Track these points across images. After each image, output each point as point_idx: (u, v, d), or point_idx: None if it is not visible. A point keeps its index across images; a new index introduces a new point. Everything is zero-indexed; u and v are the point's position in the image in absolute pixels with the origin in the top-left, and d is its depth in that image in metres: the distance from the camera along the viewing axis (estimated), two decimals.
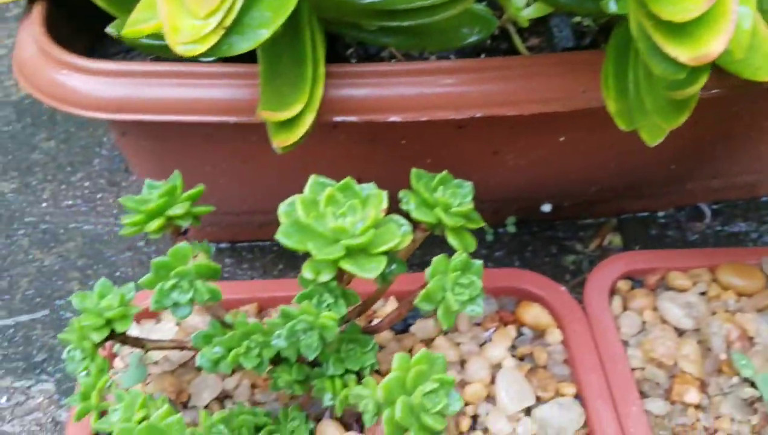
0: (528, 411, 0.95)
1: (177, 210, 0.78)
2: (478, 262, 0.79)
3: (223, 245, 1.31)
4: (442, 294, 0.77)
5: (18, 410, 1.13)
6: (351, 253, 0.73)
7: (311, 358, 0.76)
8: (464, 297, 0.77)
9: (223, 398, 0.98)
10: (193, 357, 1.01)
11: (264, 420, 0.90)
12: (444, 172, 0.84)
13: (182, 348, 0.87)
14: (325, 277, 0.74)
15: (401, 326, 1.05)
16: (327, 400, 0.85)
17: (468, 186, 0.84)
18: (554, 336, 1.02)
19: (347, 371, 0.84)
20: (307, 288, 0.77)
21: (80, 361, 0.79)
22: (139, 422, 0.73)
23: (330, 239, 0.73)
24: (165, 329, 1.03)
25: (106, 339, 0.81)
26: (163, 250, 1.33)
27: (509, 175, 1.14)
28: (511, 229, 1.32)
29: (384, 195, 0.75)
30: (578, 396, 0.96)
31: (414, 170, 0.84)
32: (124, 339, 0.83)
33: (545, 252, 1.30)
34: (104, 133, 1.53)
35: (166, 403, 0.75)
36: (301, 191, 1.20)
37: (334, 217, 0.74)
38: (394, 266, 0.80)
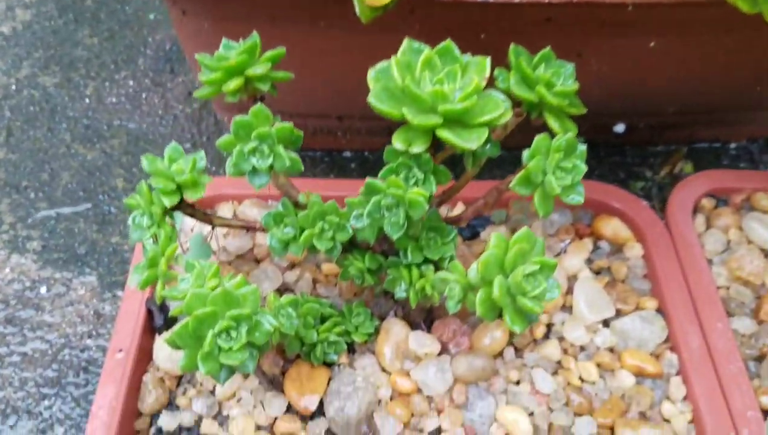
0: (606, 323, 0.89)
1: (257, 69, 0.71)
2: (583, 146, 0.73)
3: None
4: (542, 176, 0.71)
5: (58, 301, 1.09)
6: (449, 121, 0.67)
7: (395, 236, 0.70)
8: (566, 181, 0.71)
9: (283, 291, 0.93)
10: (252, 249, 0.96)
11: (329, 311, 0.85)
12: (546, 49, 0.77)
13: (250, 228, 0.82)
14: (418, 147, 0.68)
15: (469, 233, 0.99)
16: (400, 291, 0.80)
17: (570, 67, 0.77)
18: (634, 250, 0.96)
19: (426, 260, 0.78)
20: (395, 161, 0.71)
21: (147, 228, 0.74)
22: (213, 289, 0.68)
23: (427, 105, 0.67)
24: None
25: (175, 208, 0.76)
26: (213, 154, 1.27)
27: (589, 84, 1.06)
28: None
29: (488, 62, 0.69)
30: (660, 310, 0.91)
31: (513, 45, 0.77)
32: (193, 211, 0.78)
33: (613, 177, 1.23)
34: (149, 33, 1.46)
35: (239, 276, 0.70)
36: (364, 93, 1.14)
37: (432, 82, 0.67)
38: (488, 146, 0.74)
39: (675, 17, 0.95)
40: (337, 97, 1.13)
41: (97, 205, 1.20)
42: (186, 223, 0.96)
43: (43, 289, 1.10)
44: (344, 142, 1.24)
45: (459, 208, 1.00)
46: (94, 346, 1.04)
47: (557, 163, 0.71)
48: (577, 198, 0.72)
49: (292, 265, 0.95)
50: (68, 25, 1.48)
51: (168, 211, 0.75)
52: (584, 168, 0.72)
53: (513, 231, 0.98)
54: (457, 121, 0.67)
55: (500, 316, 0.68)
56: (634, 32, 0.99)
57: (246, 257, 0.95)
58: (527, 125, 0.79)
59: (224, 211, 0.99)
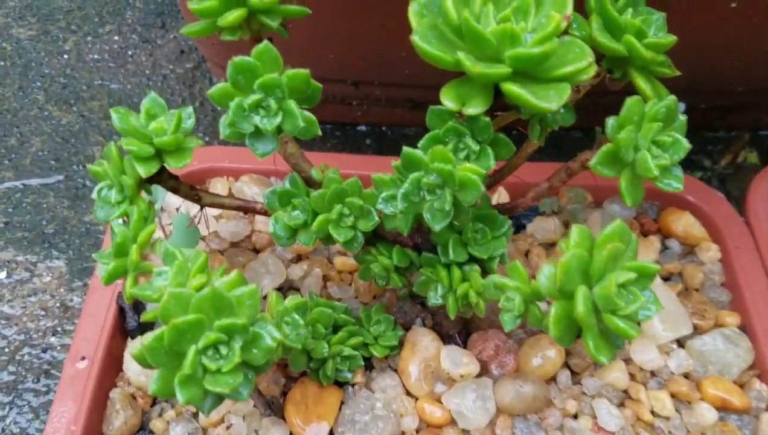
0: (680, 342, 0.73)
1: None
2: (683, 117, 0.56)
3: None
4: (634, 153, 0.54)
5: (20, 289, 0.92)
6: (519, 71, 0.50)
7: (438, 227, 0.53)
8: (663, 160, 0.54)
9: (286, 289, 0.76)
10: (250, 235, 0.79)
11: (343, 318, 0.68)
12: None
13: (248, 210, 0.65)
14: (475, 108, 0.51)
15: (513, 226, 0.82)
16: (434, 297, 0.63)
17: (661, 16, 0.61)
18: (710, 252, 0.79)
19: (470, 259, 0.62)
20: (442, 127, 0.54)
21: (116, 204, 0.57)
22: (198, 290, 0.51)
23: (490, 49, 0.50)
24: None
25: (153, 179, 0.59)
26: (207, 122, 1.10)
27: None
28: None
29: None
30: (743, 328, 0.74)
31: None
32: (177, 184, 0.61)
33: None
34: None
35: (234, 271, 0.53)
36: (390, 49, 0.96)
37: (497, 20, 0.50)
38: (562, 110, 0.57)
39: None
40: (354, 56, 0.96)
41: (70, 176, 1.03)
42: (170, 200, 0.79)
43: (2, 274, 0.93)
44: (359, 113, 1.07)
45: (502, 196, 0.84)
46: (58, 346, 0.87)
47: (654, 135, 0.54)
48: (675, 184, 0.55)
49: (298, 257, 0.78)
50: None
51: (144, 184, 0.58)
52: (687, 145, 0.55)
53: (566, 224, 0.82)
54: (529, 72, 0.51)
55: (576, 337, 0.52)
56: None
57: (242, 245, 0.78)
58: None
59: (217, 187, 0.82)
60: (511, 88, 0.49)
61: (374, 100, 1.05)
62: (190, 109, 0.59)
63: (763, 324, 0.73)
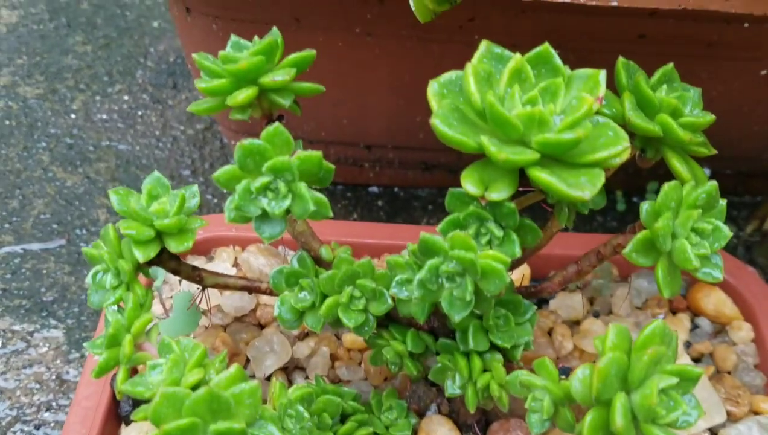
0: (713, 431, 0.68)
1: (277, 77, 0.51)
2: (723, 202, 0.52)
3: None
4: (671, 242, 0.50)
5: (15, 360, 0.88)
6: (548, 157, 0.46)
7: (458, 317, 0.49)
8: (704, 249, 0.50)
9: (292, 369, 0.71)
10: (255, 310, 0.75)
11: (352, 406, 0.63)
12: (669, 66, 0.57)
13: (253, 290, 0.61)
14: (499, 193, 0.47)
15: (535, 301, 0.78)
16: (452, 387, 0.59)
17: (697, 92, 0.57)
18: (742, 332, 0.75)
19: (492, 348, 0.57)
20: (462, 211, 0.51)
21: (111, 290, 0.53)
22: (194, 387, 0.47)
23: (516, 133, 0.46)
24: (218, 269, 0.77)
25: (153, 261, 0.55)
26: (220, 193, 1.07)
27: None
28: (651, 197, 1.04)
29: (602, 76, 0.48)
30: None
31: (622, 59, 0.57)
32: (177, 265, 0.57)
33: None
34: (151, 42, 1.27)
35: (234, 366, 0.49)
36: (405, 116, 0.94)
37: (523, 102, 0.47)
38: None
39: None
40: (368, 121, 0.93)
41: (72, 241, 1.00)
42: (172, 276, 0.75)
43: None
44: (371, 175, 1.04)
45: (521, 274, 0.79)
46: (52, 422, 0.83)
47: (693, 223, 0.50)
48: (715, 274, 0.51)
49: (305, 334, 0.73)
50: (59, 29, 1.29)
51: (142, 267, 0.54)
52: (728, 233, 0.51)
53: (591, 300, 0.77)
54: (558, 157, 0.47)
55: None
56: (745, 56, 0.79)
57: (246, 320, 0.74)
58: None
59: (223, 257, 0.78)
60: (540, 176, 0.45)
61: (387, 162, 1.02)
62: (195, 187, 0.56)
63: None
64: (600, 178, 0.46)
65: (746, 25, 0.73)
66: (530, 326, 0.57)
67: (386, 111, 0.91)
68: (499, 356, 0.57)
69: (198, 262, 0.78)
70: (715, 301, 0.77)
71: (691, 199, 0.50)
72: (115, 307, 0.53)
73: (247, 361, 0.70)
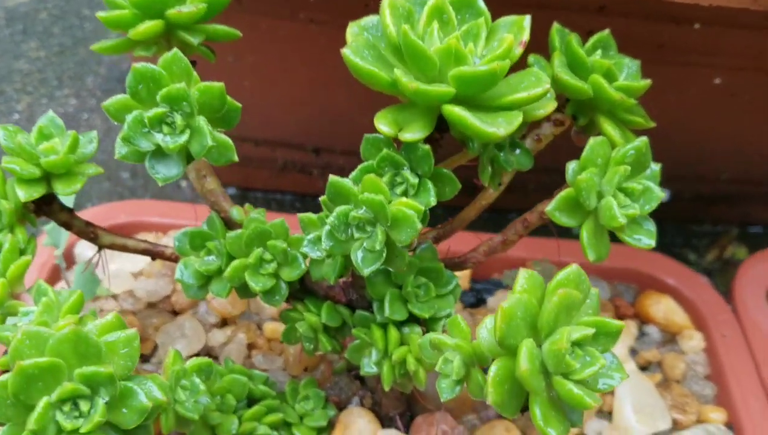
0: None
1: (184, 8, 0.48)
2: (657, 166, 0.49)
3: (230, 191, 1.01)
4: (597, 199, 0.46)
5: None
6: (465, 95, 0.43)
7: (367, 270, 0.45)
8: (632, 210, 0.46)
9: (203, 356, 0.66)
10: (170, 296, 0.70)
11: (262, 390, 0.58)
12: (605, 32, 0.54)
13: (155, 254, 0.56)
14: (413, 133, 0.44)
15: (474, 298, 0.74)
16: (368, 364, 0.53)
17: (635, 63, 0.55)
18: (693, 341, 0.70)
19: (410, 319, 0.53)
20: (374, 158, 0.47)
21: None
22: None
23: (433, 68, 0.43)
24: (136, 257, 0.72)
25: (39, 208, 0.50)
26: (158, 192, 1.03)
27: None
28: None
29: (527, 21, 0.46)
30: (730, 425, 0.64)
31: (556, 24, 0.54)
32: (69, 218, 0.52)
33: None
34: None
35: (112, 314, 0.44)
36: (353, 115, 0.91)
37: (442, 40, 0.44)
38: (518, 152, 0.50)
39: (753, 47, 0.73)
40: (316, 120, 0.90)
41: None
42: (84, 253, 0.70)
43: None
44: (321, 183, 1.00)
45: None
46: None
47: (621, 181, 0.46)
48: (645, 239, 0.48)
49: (224, 322, 0.68)
50: (14, 36, 1.27)
51: (27, 210, 0.50)
52: (661, 194, 0.48)
53: None
54: (476, 98, 0.44)
55: (524, 409, 0.42)
56: (697, 61, 0.77)
57: (160, 307, 0.68)
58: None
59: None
60: (453, 111, 0.42)
61: (336, 168, 0.98)
62: (95, 133, 0.52)
63: (753, 421, 0.63)
64: (517, 119, 0.43)
65: (696, 26, 0.71)
66: (453, 299, 0.53)
67: (334, 110, 0.88)
68: (418, 329, 0.52)
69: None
70: (665, 309, 0.73)
71: (619, 156, 0.47)
72: None
73: (156, 348, 0.65)
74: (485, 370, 0.44)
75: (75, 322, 0.43)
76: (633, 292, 0.75)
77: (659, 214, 1.07)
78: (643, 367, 0.69)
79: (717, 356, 0.69)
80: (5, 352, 0.42)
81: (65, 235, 0.65)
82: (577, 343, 0.39)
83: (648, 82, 0.53)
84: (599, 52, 0.53)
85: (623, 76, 0.53)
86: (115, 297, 0.67)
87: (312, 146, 0.95)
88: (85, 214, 0.73)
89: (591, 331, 0.39)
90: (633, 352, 0.70)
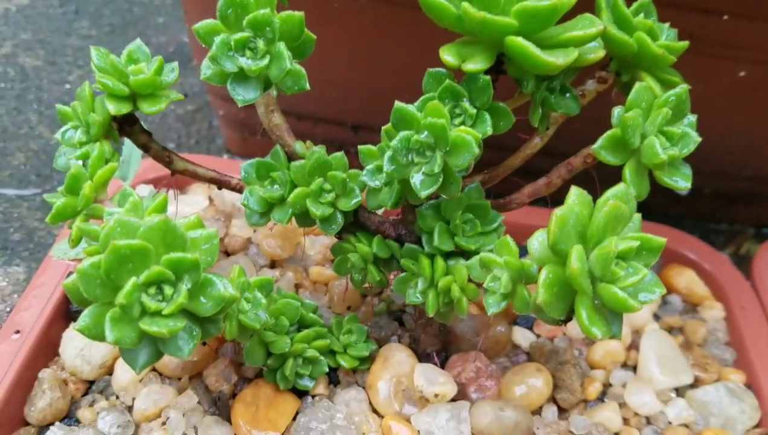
0: (680, 392, 0.66)
1: None
2: (693, 116, 0.53)
3: None
4: (640, 139, 0.50)
5: None
6: (526, 27, 0.47)
7: (425, 193, 0.49)
8: (672, 151, 0.50)
9: None
10: (223, 238, 0.74)
11: (312, 317, 0.62)
12: None
13: (222, 183, 0.60)
14: (476, 63, 0.48)
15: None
16: (413, 294, 0.57)
17: (674, 31, 0.59)
18: (713, 311, 0.74)
19: (455, 253, 0.56)
20: (435, 91, 0.51)
21: (79, 145, 0.53)
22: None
23: (496, 3, 0.47)
24: (192, 202, 0.77)
25: (122, 127, 0.55)
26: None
27: None
28: None
29: None
30: (749, 386, 0.67)
31: None
32: (148, 141, 0.57)
33: None
34: (154, 34, 1.30)
35: (194, 215, 0.48)
36: (394, 93, 0.95)
37: None
38: (567, 96, 0.54)
39: None
40: (356, 98, 0.94)
41: (48, 192, 0.98)
42: (144, 192, 0.74)
43: None
44: (357, 163, 1.04)
45: None
46: None
47: (662, 123, 0.51)
48: (682, 182, 0.51)
49: (272, 264, 0.72)
50: (67, 15, 1.33)
51: (112, 127, 0.54)
52: (697, 138, 0.52)
53: None
54: (535, 34, 0.48)
55: (568, 319, 0.46)
56: (723, 54, 0.81)
57: None
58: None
59: (196, 193, 0.78)
60: (516, 41, 0.46)
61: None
62: (176, 64, 0.56)
63: None
64: (573, 53, 0.47)
65: (725, 17, 0.75)
66: (496, 236, 0.57)
67: (374, 88, 0.92)
68: (462, 261, 0.56)
69: (172, 194, 0.78)
70: (687, 280, 0.76)
71: (662, 100, 0.51)
72: (80, 162, 0.52)
73: None
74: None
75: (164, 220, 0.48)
76: (657, 264, 0.79)
77: (679, 211, 1.11)
78: (667, 331, 0.72)
79: (736, 325, 0.72)
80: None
81: (134, 169, 0.69)
82: (621, 256, 0.43)
83: (686, 43, 0.57)
84: (641, 15, 0.57)
85: (663, 37, 0.57)
86: None
87: (351, 123, 0.99)
88: (143, 165, 0.78)
89: (636, 243, 0.43)
90: (656, 317, 0.73)
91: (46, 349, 0.62)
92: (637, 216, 0.47)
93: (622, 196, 0.44)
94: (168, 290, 0.44)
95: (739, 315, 0.72)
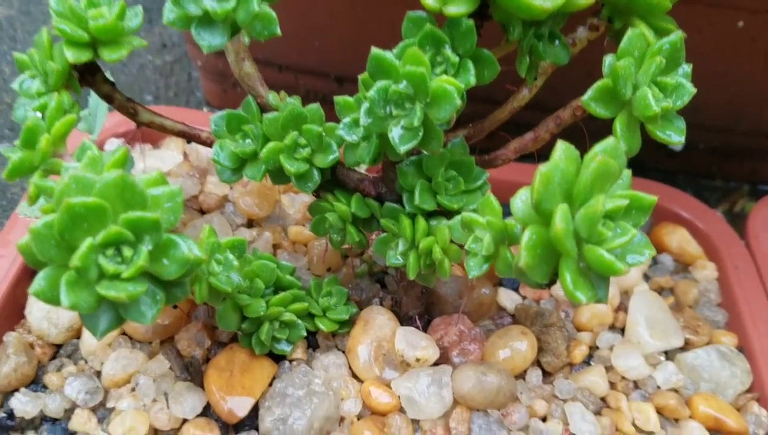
0: (669, 356, 0.64)
1: None
2: (689, 66, 0.50)
3: None
4: (632, 90, 0.47)
5: None
6: None
7: (404, 148, 0.46)
8: (666, 103, 0.47)
9: None
10: (198, 196, 0.71)
11: (288, 280, 0.59)
12: None
13: (191, 137, 0.57)
14: (457, 6, 0.45)
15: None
16: (394, 256, 0.54)
17: None
18: (706, 271, 0.72)
19: (437, 213, 0.54)
20: (415, 36, 0.47)
21: (37, 95, 0.49)
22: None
23: None
24: (165, 157, 0.73)
25: (83, 76, 0.51)
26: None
27: None
28: None
29: None
30: (741, 349, 0.65)
31: None
32: (111, 91, 0.53)
33: None
34: None
35: (156, 171, 0.45)
36: (381, 40, 0.91)
37: None
38: (556, 44, 0.51)
39: None
40: (340, 49, 0.90)
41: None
42: (112, 147, 0.71)
43: None
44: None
45: None
46: None
47: (656, 73, 0.47)
48: (675, 136, 0.49)
49: (250, 223, 0.69)
50: None
51: (72, 77, 0.51)
52: (692, 89, 0.48)
53: None
54: None
55: (552, 282, 0.43)
56: (722, 2, 0.78)
57: (188, 205, 0.70)
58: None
59: (170, 147, 0.75)
60: None
61: None
62: (140, 7, 0.53)
63: (763, 346, 0.65)
64: None
65: None
66: (480, 195, 0.54)
67: (358, 39, 0.88)
68: (445, 221, 0.53)
69: (145, 148, 0.74)
70: (679, 239, 0.74)
71: (655, 48, 0.47)
72: (39, 114, 0.49)
73: None
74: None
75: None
76: (648, 224, 0.76)
77: (672, 166, 1.08)
78: (657, 292, 0.70)
79: (729, 286, 0.70)
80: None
81: (100, 122, 0.66)
82: (609, 216, 0.41)
83: None
84: None
85: None
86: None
87: (336, 74, 0.95)
88: (111, 119, 0.74)
89: (624, 202, 0.41)
90: (646, 277, 0.71)
91: (12, 312, 0.60)
92: (627, 172, 0.44)
93: (611, 151, 0.41)
94: (127, 252, 0.41)
95: (732, 275, 0.70)
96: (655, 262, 0.73)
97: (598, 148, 0.42)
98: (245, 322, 0.57)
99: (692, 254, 0.73)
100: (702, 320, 0.67)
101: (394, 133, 0.46)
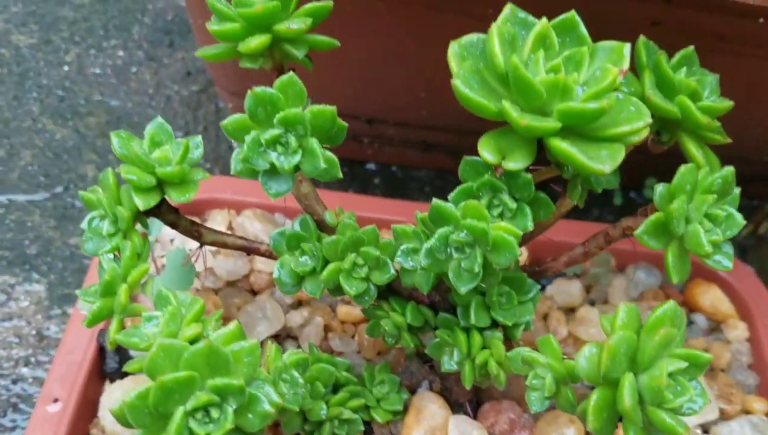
0: (705, 428, 0.67)
1: (293, 24, 0.49)
2: (737, 189, 0.52)
3: None
4: (684, 226, 0.49)
5: None
6: (569, 127, 0.45)
7: (464, 289, 0.48)
8: (716, 236, 0.49)
9: (283, 337, 0.70)
10: (248, 275, 0.73)
11: (345, 376, 0.62)
12: (689, 48, 0.56)
13: (252, 250, 0.59)
14: (517, 162, 0.46)
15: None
16: (449, 362, 0.57)
17: (715, 78, 0.57)
18: (737, 331, 0.74)
19: (492, 325, 0.56)
20: (476, 180, 0.49)
21: (108, 237, 0.51)
22: (191, 341, 0.45)
23: (539, 100, 0.45)
24: None
25: (151, 212, 0.53)
26: (209, 148, 1.05)
27: None
28: (648, 193, 1.03)
29: (626, 49, 0.47)
30: None
31: (642, 38, 0.56)
32: (176, 219, 0.55)
33: None
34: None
35: (234, 323, 0.48)
36: (411, 89, 0.91)
37: (546, 69, 0.46)
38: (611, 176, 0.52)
39: None
40: (371, 92, 0.91)
41: (58, 195, 0.97)
42: (164, 230, 0.73)
43: None
44: (370, 151, 1.03)
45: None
46: (30, 378, 0.81)
47: (707, 207, 0.49)
48: (725, 262, 0.51)
49: (299, 303, 0.72)
50: None
51: (140, 216, 0.52)
52: (741, 221, 0.50)
53: (587, 288, 0.76)
54: (579, 129, 0.46)
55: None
56: (752, 53, 0.78)
57: (239, 285, 0.72)
58: None
59: (217, 220, 0.77)
60: (560, 146, 0.44)
61: (387, 139, 1.00)
62: (199, 138, 0.54)
63: None
64: (621, 153, 0.45)
65: (761, 20, 0.72)
66: (532, 305, 0.56)
67: (390, 84, 0.89)
68: (499, 334, 0.56)
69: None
70: (712, 298, 0.76)
71: (707, 183, 0.49)
72: (111, 256, 0.51)
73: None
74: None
75: (199, 333, 0.47)
76: (682, 284, 0.78)
77: None
78: None
79: (760, 346, 0.73)
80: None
81: (159, 225, 0.68)
82: (670, 375, 0.43)
83: (730, 103, 0.55)
84: (684, 69, 0.54)
85: (706, 93, 0.55)
86: (197, 275, 0.70)
87: (366, 117, 0.96)
88: None
89: (684, 364, 0.43)
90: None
91: (86, 413, 0.63)
92: (684, 322, 0.46)
93: (670, 316, 0.44)
94: (215, 413, 0.44)
95: (763, 336, 0.73)
96: (689, 321, 0.76)
97: (660, 312, 0.44)
98: (307, 423, 0.60)
99: (724, 313, 0.76)
100: (735, 386, 0.70)
101: (453, 275, 0.48)
